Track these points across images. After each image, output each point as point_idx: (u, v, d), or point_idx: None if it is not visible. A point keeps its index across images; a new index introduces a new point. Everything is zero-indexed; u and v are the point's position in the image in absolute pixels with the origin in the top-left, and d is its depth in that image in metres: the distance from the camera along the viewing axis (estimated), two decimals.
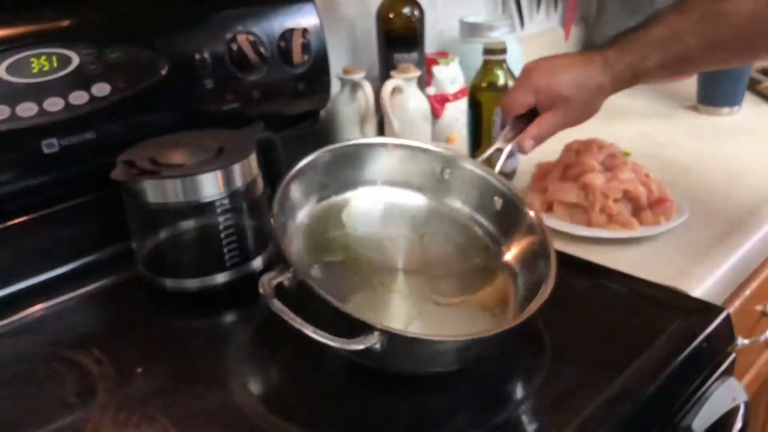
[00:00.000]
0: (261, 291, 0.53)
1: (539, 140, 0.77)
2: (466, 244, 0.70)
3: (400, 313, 0.64)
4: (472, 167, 0.72)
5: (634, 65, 0.75)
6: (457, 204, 0.72)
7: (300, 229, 0.65)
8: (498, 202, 0.70)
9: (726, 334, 0.64)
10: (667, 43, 0.74)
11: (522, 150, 0.76)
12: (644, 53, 0.75)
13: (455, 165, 0.73)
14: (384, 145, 0.72)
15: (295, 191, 0.65)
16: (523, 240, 0.67)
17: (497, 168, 0.73)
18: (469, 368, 0.58)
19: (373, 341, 0.50)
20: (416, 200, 0.72)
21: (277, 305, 0.52)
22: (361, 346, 0.50)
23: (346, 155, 0.69)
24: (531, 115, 0.78)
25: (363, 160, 0.70)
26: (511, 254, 0.68)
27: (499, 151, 0.75)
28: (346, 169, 0.70)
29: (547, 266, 0.61)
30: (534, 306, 0.56)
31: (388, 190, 0.72)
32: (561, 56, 0.79)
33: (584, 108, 0.77)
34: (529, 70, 0.77)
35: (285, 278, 0.55)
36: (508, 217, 0.69)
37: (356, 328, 0.51)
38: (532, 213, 0.68)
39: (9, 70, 0.66)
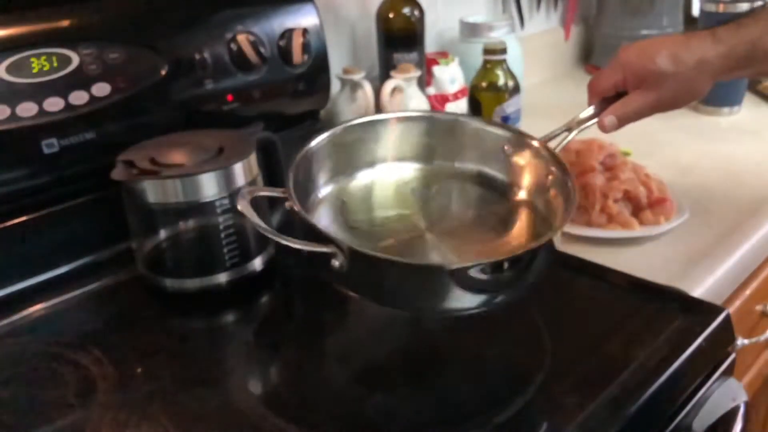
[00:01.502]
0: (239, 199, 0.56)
1: (623, 119, 0.67)
2: (482, 197, 0.70)
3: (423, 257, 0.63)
4: (477, 124, 0.71)
5: (753, 41, 0.64)
6: (467, 164, 0.71)
7: (315, 208, 0.65)
8: (509, 150, 0.68)
9: (726, 334, 0.64)
10: None
11: (602, 128, 0.68)
12: (765, 29, 0.64)
13: (460, 126, 0.71)
14: (385, 120, 0.70)
15: (304, 176, 0.64)
16: (534, 171, 0.67)
17: (558, 148, 0.68)
18: (469, 368, 0.58)
19: (327, 249, 0.52)
20: (427, 169, 0.71)
21: (243, 205, 0.55)
22: (320, 249, 0.52)
23: (352, 137, 0.68)
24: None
25: (368, 139, 0.69)
26: (524, 191, 0.67)
27: (568, 131, 0.69)
28: (353, 152, 0.69)
29: (565, 185, 0.61)
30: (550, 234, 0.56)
31: (398, 165, 0.71)
32: (662, 36, 0.70)
33: (682, 87, 0.66)
34: (622, 49, 0.69)
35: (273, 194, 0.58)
36: (517, 158, 0.68)
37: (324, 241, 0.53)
38: (536, 142, 0.66)
39: (9, 70, 0.66)
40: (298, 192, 0.59)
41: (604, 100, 0.70)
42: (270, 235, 0.54)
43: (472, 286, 0.53)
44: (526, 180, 0.68)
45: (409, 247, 0.64)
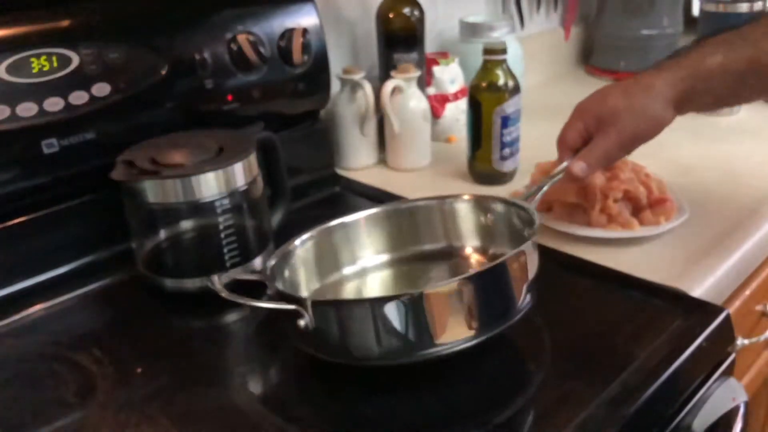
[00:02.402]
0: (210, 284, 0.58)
1: (593, 164, 0.69)
2: (454, 267, 0.70)
3: None
4: (433, 204, 0.71)
5: (691, 64, 0.67)
6: (437, 243, 0.72)
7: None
8: (490, 218, 0.69)
9: (726, 334, 0.64)
10: (733, 44, 0.67)
11: (572, 175, 0.70)
12: (705, 52, 0.67)
13: (420, 210, 0.72)
14: (354, 221, 0.70)
15: (290, 273, 0.64)
16: (506, 227, 0.67)
17: (536, 198, 0.69)
18: (469, 368, 0.58)
19: (289, 307, 0.53)
20: (400, 256, 0.71)
21: (215, 281, 0.58)
22: (284, 307, 0.54)
23: (324, 241, 0.68)
24: None
25: (340, 241, 0.69)
26: (497, 247, 0.68)
27: (539, 188, 0.71)
28: (326, 255, 0.69)
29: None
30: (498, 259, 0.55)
31: (373, 258, 0.71)
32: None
33: (638, 118, 0.68)
34: (578, 104, 0.73)
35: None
36: (490, 221, 0.69)
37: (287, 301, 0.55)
38: (500, 204, 0.68)
39: (9, 70, 0.66)
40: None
41: (574, 153, 0.72)
42: (240, 301, 0.56)
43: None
44: (501, 237, 0.68)
45: None
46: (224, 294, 0.57)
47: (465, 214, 0.71)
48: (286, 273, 0.63)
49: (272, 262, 0.62)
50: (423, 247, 0.71)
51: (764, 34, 0.67)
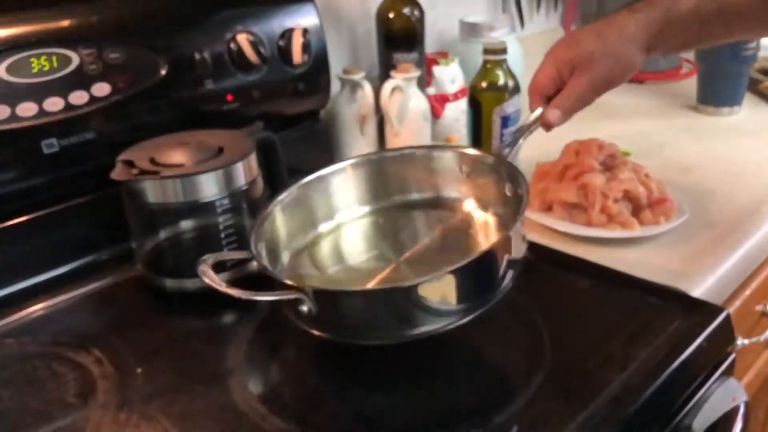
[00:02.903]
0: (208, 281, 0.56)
1: (567, 110, 0.68)
2: (444, 220, 0.70)
3: None
4: (425, 152, 0.72)
5: (664, 6, 0.66)
6: (425, 193, 0.72)
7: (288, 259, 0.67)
8: (466, 170, 0.70)
9: (726, 334, 0.64)
10: None
11: (546, 123, 0.69)
12: None
13: (409, 159, 0.72)
14: (339, 170, 0.71)
15: (270, 237, 0.65)
16: (492, 185, 0.68)
17: (513, 153, 0.68)
18: (469, 368, 0.58)
19: (292, 296, 0.53)
20: (387, 205, 0.72)
21: (203, 269, 0.56)
22: (286, 297, 0.54)
23: (308, 193, 0.70)
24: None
25: (324, 191, 0.71)
26: (484, 206, 0.69)
27: (515, 139, 0.70)
28: (313, 206, 0.70)
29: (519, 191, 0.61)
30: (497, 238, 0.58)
31: (359, 208, 0.72)
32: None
33: (612, 61, 0.67)
34: (550, 49, 0.71)
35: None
36: (475, 176, 0.70)
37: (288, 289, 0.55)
38: (490, 158, 0.68)
39: (9, 70, 0.66)
40: (265, 253, 0.61)
41: (547, 100, 0.71)
42: (236, 294, 0.55)
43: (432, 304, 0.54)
44: (487, 194, 0.68)
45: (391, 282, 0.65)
46: (223, 288, 0.55)
47: (450, 166, 0.71)
48: (268, 236, 0.63)
49: (254, 229, 0.62)
50: (405, 196, 0.72)
51: None
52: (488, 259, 0.56)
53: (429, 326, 0.55)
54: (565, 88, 0.69)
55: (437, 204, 0.71)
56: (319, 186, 0.70)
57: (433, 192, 0.72)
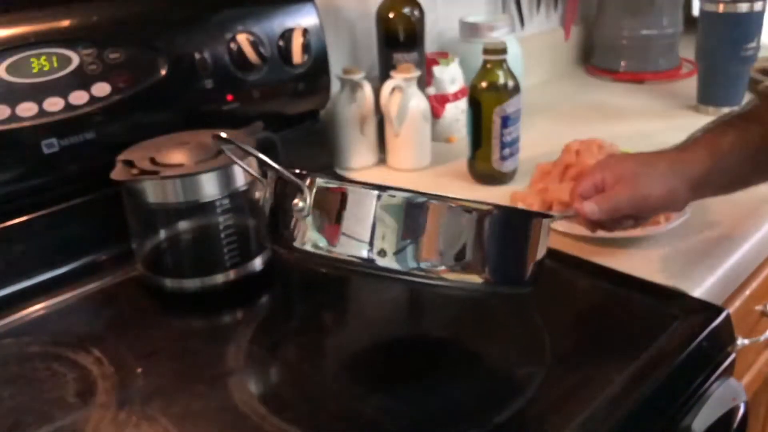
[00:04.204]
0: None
1: (603, 210, 0.67)
2: None
3: None
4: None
5: (708, 144, 0.69)
6: None
7: None
8: None
9: (726, 334, 0.64)
10: (742, 125, 0.69)
11: (582, 213, 0.68)
12: (718, 132, 0.69)
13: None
14: None
15: None
16: None
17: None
18: (469, 368, 0.58)
19: (301, 183, 0.51)
20: None
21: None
22: (294, 179, 0.51)
23: None
24: None
25: None
26: None
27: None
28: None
29: None
30: None
31: None
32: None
33: (654, 185, 0.68)
34: (600, 160, 0.74)
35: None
36: None
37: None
38: None
39: (9, 70, 0.66)
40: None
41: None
42: (252, 151, 0.53)
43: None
44: None
45: None
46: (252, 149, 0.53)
47: None
48: None
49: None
50: None
51: None
52: (523, 222, 0.54)
53: (422, 267, 0.51)
54: (607, 191, 0.69)
55: None
56: None
57: None
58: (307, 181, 0.52)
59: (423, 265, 0.51)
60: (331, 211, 0.51)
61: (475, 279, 0.52)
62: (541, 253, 0.56)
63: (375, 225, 0.50)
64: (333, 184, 0.52)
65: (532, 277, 0.56)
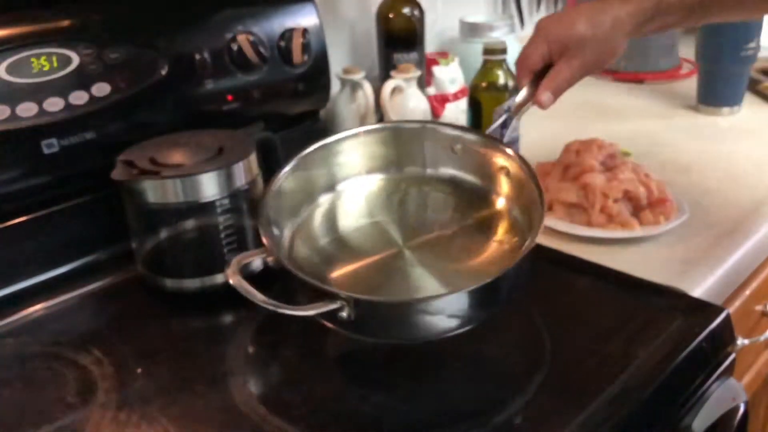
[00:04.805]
0: (227, 270, 0.56)
1: (557, 91, 0.70)
2: (458, 204, 0.70)
3: (407, 283, 0.64)
4: (444, 130, 0.71)
5: None
6: (439, 170, 0.71)
7: (289, 236, 0.66)
8: (458, 149, 0.69)
9: (726, 334, 0.64)
10: None
11: (540, 105, 0.70)
12: None
13: (426, 135, 0.71)
14: (352, 135, 0.70)
15: (278, 204, 0.65)
16: (506, 181, 0.68)
17: (506, 138, 0.69)
18: (469, 368, 0.58)
19: (334, 306, 0.53)
20: (399, 178, 0.71)
21: (236, 280, 0.55)
22: (328, 309, 0.53)
23: (319, 156, 0.69)
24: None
25: (337, 156, 0.70)
26: (502, 200, 0.68)
27: (509, 119, 0.70)
28: (324, 169, 0.69)
29: (537, 203, 0.61)
30: (516, 257, 0.57)
31: (369, 177, 0.71)
32: (576, 5, 0.74)
33: (602, 47, 0.70)
34: (540, 22, 0.73)
35: (260, 257, 0.58)
36: (484, 164, 0.69)
37: (328, 297, 0.54)
38: (509, 150, 0.67)
39: (9, 70, 0.66)
40: (274, 236, 0.61)
41: (533, 79, 0.72)
42: (272, 308, 0.54)
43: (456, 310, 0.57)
44: (503, 188, 0.68)
45: (391, 268, 0.65)
46: (259, 299, 0.54)
47: (445, 144, 0.70)
48: (272, 213, 0.63)
49: (264, 206, 0.62)
50: (421, 170, 0.71)
51: None
52: (502, 281, 0.57)
53: (442, 329, 0.57)
54: (554, 69, 0.70)
55: (451, 185, 0.71)
56: (328, 152, 0.69)
57: (447, 170, 0.71)
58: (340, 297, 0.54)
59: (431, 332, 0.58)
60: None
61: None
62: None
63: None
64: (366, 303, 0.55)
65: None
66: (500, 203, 0.68)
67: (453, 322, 0.56)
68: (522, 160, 0.66)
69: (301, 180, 0.68)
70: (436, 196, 0.71)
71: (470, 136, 0.70)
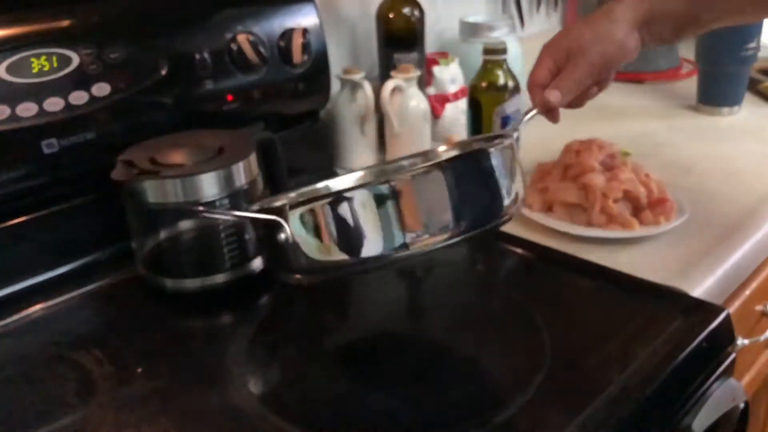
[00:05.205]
0: None
1: (564, 90, 0.69)
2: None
3: None
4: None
5: None
6: None
7: None
8: None
9: (726, 334, 0.64)
10: None
11: (547, 103, 0.69)
12: None
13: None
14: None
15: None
16: None
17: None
18: (469, 368, 0.58)
19: (279, 219, 0.51)
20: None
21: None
22: (267, 217, 0.51)
23: None
24: None
25: None
26: None
27: (516, 123, 0.70)
28: None
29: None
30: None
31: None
32: None
33: (605, 46, 0.69)
34: (545, 43, 0.74)
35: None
36: None
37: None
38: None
39: (9, 70, 0.66)
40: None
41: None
42: (222, 215, 0.55)
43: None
44: None
45: None
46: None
47: None
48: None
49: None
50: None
51: None
52: (483, 159, 0.53)
53: (421, 242, 0.51)
54: (563, 73, 0.70)
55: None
56: None
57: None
58: (281, 211, 0.52)
59: (409, 239, 0.51)
60: (316, 227, 0.52)
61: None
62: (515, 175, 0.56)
63: (360, 225, 0.51)
64: (303, 206, 0.52)
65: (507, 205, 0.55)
66: None
67: (419, 230, 0.51)
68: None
69: None
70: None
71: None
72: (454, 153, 0.67)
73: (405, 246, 0.51)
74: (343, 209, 0.51)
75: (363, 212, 0.51)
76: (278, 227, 0.51)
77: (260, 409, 0.56)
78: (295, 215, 0.51)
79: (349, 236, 0.51)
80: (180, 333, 0.67)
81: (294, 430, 0.54)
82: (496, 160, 0.54)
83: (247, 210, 0.55)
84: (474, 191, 0.53)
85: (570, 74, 0.69)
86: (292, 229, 0.51)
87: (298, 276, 0.55)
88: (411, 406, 0.55)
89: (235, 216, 0.55)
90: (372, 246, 0.51)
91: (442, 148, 0.70)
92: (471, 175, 0.54)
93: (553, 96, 0.69)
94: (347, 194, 0.51)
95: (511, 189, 0.55)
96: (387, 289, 0.70)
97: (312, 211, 0.52)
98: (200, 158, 0.69)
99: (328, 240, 0.52)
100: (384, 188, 0.51)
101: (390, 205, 0.51)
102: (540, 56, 0.73)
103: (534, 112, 0.70)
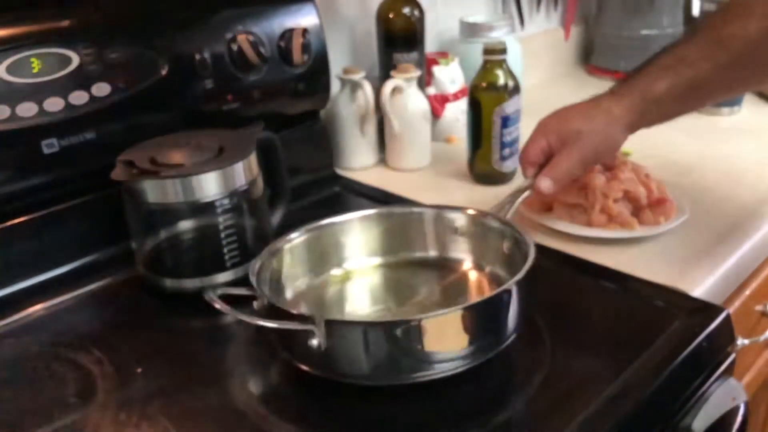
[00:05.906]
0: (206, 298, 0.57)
1: (556, 179, 0.74)
2: (444, 277, 0.70)
3: None
4: (430, 212, 0.71)
5: (642, 90, 0.74)
6: (429, 252, 0.71)
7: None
8: (462, 230, 0.70)
9: (726, 334, 0.64)
10: (675, 68, 0.73)
11: (539, 191, 0.74)
12: (652, 78, 0.74)
13: (417, 217, 0.71)
14: (348, 220, 0.70)
15: (276, 270, 0.64)
16: (491, 243, 0.68)
17: (508, 215, 0.70)
18: (469, 368, 0.58)
19: (310, 327, 0.52)
20: (392, 261, 0.71)
21: (219, 303, 0.57)
22: (298, 327, 0.53)
23: (316, 237, 0.68)
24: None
25: (333, 238, 0.70)
26: (485, 264, 0.69)
27: (511, 203, 0.72)
28: (319, 252, 0.69)
29: (522, 245, 0.62)
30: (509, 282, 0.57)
31: (366, 259, 0.71)
32: (575, 103, 0.78)
33: (598, 141, 0.74)
34: (540, 122, 0.78)
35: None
36: (473, 235, 0.70)
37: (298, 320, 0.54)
38: (490, 218, 0.68)
39: (9, 70, 0.66)
40: (266, 288, 0.60)
41: (538, 168, 0.76)
42: (247, 319, 0.55)
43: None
44: (487, 254, 0.68)
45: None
46: (227, 310, 0.56)
47: (459, 226, 0.70)
48: (269, 274, 0.62)
49: (258, 263, 0.61)
50: (413, 254, 0.71)
51: (700, 55, 0.72)
52: (498, 301, 0.56)
53: (434, 370, 0.55)
54: (555, 159, 0.75)
55: (440, 264, 0.71)
56: (328, 232, 0.69)
57: (435, 251, 0.71)
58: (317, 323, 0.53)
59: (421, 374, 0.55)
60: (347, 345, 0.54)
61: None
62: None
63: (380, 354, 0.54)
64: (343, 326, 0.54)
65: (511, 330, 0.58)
66: (486, 269, 0.69)
67: (445, 357, 0.55)
68: (504, 222, 0.67)
69: (306, 251, 0.68)
70: (424, 274, 0.71)
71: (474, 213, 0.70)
72: (467, 215, 0.70)
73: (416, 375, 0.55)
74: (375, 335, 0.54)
75: (386, 343, 0.53)
76: (311, 334, 0.53)
77: (260, 409, 0.56)
78: (331, 328, 0.53)
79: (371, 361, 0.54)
80: (180, 333, 0.67)
81: (294, 430, 0.54)
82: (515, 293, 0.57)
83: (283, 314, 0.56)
84: (487, 327, 0.57)
85: (562, 163, 0.74)
86: (325, 340, 0.53)
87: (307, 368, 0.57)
88: (411, 406, 0.55)
89: (270, 326, 0.56)
90: (387, 371, 0.55)
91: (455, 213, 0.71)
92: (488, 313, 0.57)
93: (545, 184, 0.74)
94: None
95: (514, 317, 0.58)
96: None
97: (348, 328, 0.54)
98: (200, 158, 0.69)
99: (357, 358, 0.55)
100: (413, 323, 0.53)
101: (414, 338, 0.54)
102: (534, 133, 0.77)
103: (527, 193, 0.75)
